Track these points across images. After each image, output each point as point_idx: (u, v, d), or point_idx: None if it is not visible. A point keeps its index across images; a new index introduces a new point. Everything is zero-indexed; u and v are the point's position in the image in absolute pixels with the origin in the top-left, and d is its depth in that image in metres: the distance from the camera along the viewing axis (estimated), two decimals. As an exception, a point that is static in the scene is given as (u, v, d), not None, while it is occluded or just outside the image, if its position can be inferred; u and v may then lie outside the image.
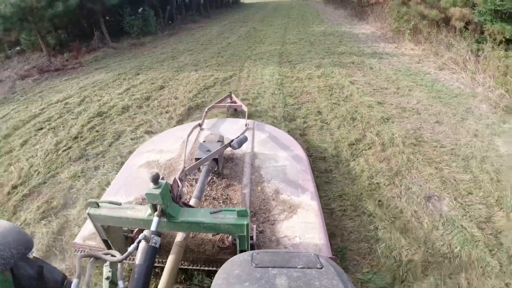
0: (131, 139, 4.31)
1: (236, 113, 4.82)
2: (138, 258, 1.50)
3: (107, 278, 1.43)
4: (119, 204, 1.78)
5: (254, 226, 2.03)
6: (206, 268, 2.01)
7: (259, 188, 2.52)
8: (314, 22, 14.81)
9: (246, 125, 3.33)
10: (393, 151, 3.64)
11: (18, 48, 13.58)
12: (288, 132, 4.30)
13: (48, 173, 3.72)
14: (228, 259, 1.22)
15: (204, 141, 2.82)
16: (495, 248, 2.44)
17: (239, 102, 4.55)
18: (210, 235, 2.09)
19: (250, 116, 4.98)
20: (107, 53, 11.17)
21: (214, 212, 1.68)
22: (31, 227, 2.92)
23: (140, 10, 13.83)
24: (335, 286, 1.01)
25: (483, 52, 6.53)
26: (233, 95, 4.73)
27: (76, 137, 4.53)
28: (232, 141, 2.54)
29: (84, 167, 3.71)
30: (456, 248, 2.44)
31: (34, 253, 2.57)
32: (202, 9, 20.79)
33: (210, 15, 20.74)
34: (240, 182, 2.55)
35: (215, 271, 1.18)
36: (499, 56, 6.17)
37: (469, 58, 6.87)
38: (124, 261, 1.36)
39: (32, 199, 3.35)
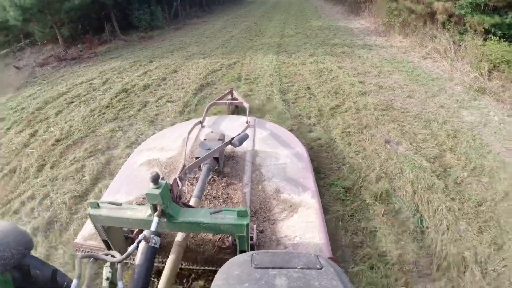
0: (156, 106, 5.29)
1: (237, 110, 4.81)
2: (138, 258, 1.54)
3: (107, 279, 1.44)
4: (119, 204, 1.82)
5: (254, 225, 2.07)
6: (206, 269, 2.06)
7: (259, 186, 2.55)
8: (312, 18, 15.72)
9: (247, 122, 3.37)
10: (365, 113, 4.57)
11: (28, 40, 14.54)
12: (283, 101, 5.23)
13: (88, 129, 4.66)
14: (228, 259, 1.24)
15: (205, 139, 2.84)
16: (442, 175, 3.31)
17: (240, 99, 4.58)
18: (210, 235, 2.13)
19: (252, 90, 5.92)
20: (119, 45, 12.11)
21: (214, 212, 1.71)
22: (81, 162, 3.84)
23: (146, 6, 14.72)
24: (334, 286, 1.03)
25: (463, 42, 7.30)
26: (234, 92, 4.76)
27: (107, 106, 5.47)
28: (232, 138, 2.55)
29: (120, 125, 4.66)
30: (405, 171, 3.34)
31: (86, 177, 3.50)
32: (205, 5, 21.73)
33: (213, 11, 21.67)
34: (240, 181, 2.57)
35: (215, 272, 1.21)
36: (477, 44, 6.90)
37: (450, 47, 7.68)
38: (124, 261, 1.39)
39: (77, 146, 4.28)
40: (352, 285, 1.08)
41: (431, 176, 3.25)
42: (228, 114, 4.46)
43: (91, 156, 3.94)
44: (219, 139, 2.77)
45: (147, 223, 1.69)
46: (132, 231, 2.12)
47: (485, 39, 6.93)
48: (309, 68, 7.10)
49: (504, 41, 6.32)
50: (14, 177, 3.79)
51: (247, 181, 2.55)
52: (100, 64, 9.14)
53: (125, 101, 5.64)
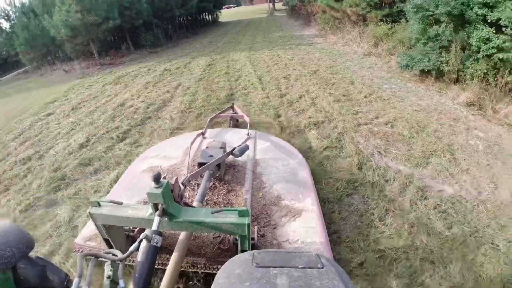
0: (188, 71, 11.40)
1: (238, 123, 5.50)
2: (140, 257, 1.69)
3: (108, 277, 1.54)
4: (120, 203, 2.00)
5: (255, 228, 2.31)
6: (207, 271, 2.25)
7: (260, 193, 2.81)
8: (276, 31, 22.50)
9: (247, 134, 3.73)
10: (289, 64, 10.82)
11: (61, 55, 20.50)
12: (251, 65, 11.30)
13: (159, 80, 10.64)
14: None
15: (207, 147, 3.15)
16: (312, 74, 9.31)
17: (241, 113, 5.02)
18: (211, 237, 2.34)
19: (235, 64, 12.03)
20: (137, 57, 18.21)
21: (216, 212, 1.89)
22: (167, 85, 9.70)
23: (150, 30, 21.03)
24: (336, 286, 1.12)
25: (366, 31, 13.43)
26: (235, 106, 5.30)
27: (161, 74, 11.52)
28: (234, 149, 2.85)
29: (175, 76, 10.75)
30: (296, 73, 9.37)
31: (174, 85, 9.42)
32: (190, 28, 28.39)
33: (197, 32, 28.37)
34: (241, 188, 2.85)
35: (216, 273, 1.30)
36: (372, 29, 12.72)
37: (357, 36, 13.87)
38: (125, 260, 1.52)
39: (159, 82, 10.19)
40: (353, 285, 1.18)
41: (306, 73, 9.37)
42: (229, 127, 4.94)
43: (170, 82, 9.91)
44: (220, 147, 3.11)
45: (148, 222, 1.87)
46: (133, 230, 2.35)
47: (378, 26, 12.59)
48: (267, 55, 13.40)
49: (387, 24, 11.92)
50: (133, 92, 9.49)
51: (248, 188, 2.85)
52: (135, 65, 15.17)
53: (171, 72, 11.70)
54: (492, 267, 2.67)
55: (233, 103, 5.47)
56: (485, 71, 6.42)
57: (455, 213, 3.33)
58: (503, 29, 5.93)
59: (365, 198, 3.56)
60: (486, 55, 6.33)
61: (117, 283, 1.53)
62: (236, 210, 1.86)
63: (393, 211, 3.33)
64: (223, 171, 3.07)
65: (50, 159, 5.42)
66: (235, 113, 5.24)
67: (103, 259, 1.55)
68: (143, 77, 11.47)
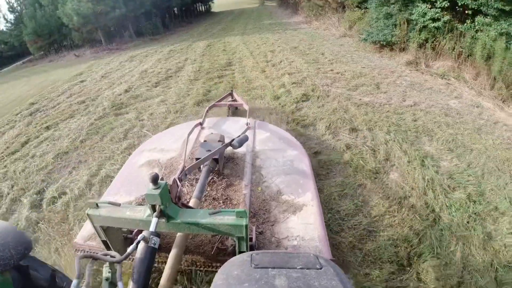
0: (192, 50, 14.26)
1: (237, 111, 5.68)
2: (137, 258, 1.74)
3: (107, 279, 1.58)
4: (118, 204, 2.05)
5: (254, 227, 2.34)
6: (206, 270, 2.32)
7: (259, 188, 2.84)
8: (266, 19, 25.20)
9: (247, 124, 3.78)
10: (275, 43, 13.55)
11: (68, 42, 22.83)
12: (244, 46, 13.94)
13: (169, 56, 13.26)
14: (227, 260, 1.40)
15: (204, 140, 3.19)
16: (292, 49, 12.01)
17: (240, 101, 5.10)
18: (209, 237, 2.40)
19: (231, 45, 14.66)
20: (139, 43, 20.73)
21: (213, 213, 1.93)
22: (177, 58, 12.31)
23: (150, 19, 23.48)
24: (334, 286, 1.16)
25: (344, 16, 16.14)
26: (234, 93, 5.40)
27: (168, 53, 14.18)
28: (232, 140, 2.86)
29: (181, 53, 13.36)
30: (280, 48, 12.07)
31: (183, 58, 12.05)
32: (185, 17, 30.84)
33: (191, 21, 30.89)
34: (240, 182, 2.88)
35: (215, 273, 1.34)
36: (349, 14, 15.68)
37: (337, 21, 16.58)
38: (123, 261, 1.56)
39: (170, 57, 12.75)
40: (352, 285, 1.23)
41: (288, 48, 12.16)
42: (228, 116, 5.03)
43: (179, 57, 12.54)
44: (219, 141, 3.14)
45: (146, 223, 1.92)
46: (131, 232, 2.40)
47: (354, 11, 15.67)
48: (257, 37, 16.13)
49: (361, 9, 14.73)
50: (149, 65, 12.07)
51: (247, 183, 2.88)
52: (140, 48, 17.75)
53: (176, 51, 14.37)
54: (384, 124, 5.36)
55: (232, 90, 5.51)
56: (424, 38, 9.08)
57: (366, 105, 6.07)
58: (435, 4, 8.58)
59: (312, 102, 6.38)
60: (424, 26, 9.01)
61: (116, 285, 1.56)
62: (233, 211, 1.91)
63: (326, 105, 6.08)
64: (222, 164, 3.10)
65: (104, 98, 8.05)
66: (234, 100, 5.30)
67: (101, 261, 1.59)
68: (153, 56, 14.06)
